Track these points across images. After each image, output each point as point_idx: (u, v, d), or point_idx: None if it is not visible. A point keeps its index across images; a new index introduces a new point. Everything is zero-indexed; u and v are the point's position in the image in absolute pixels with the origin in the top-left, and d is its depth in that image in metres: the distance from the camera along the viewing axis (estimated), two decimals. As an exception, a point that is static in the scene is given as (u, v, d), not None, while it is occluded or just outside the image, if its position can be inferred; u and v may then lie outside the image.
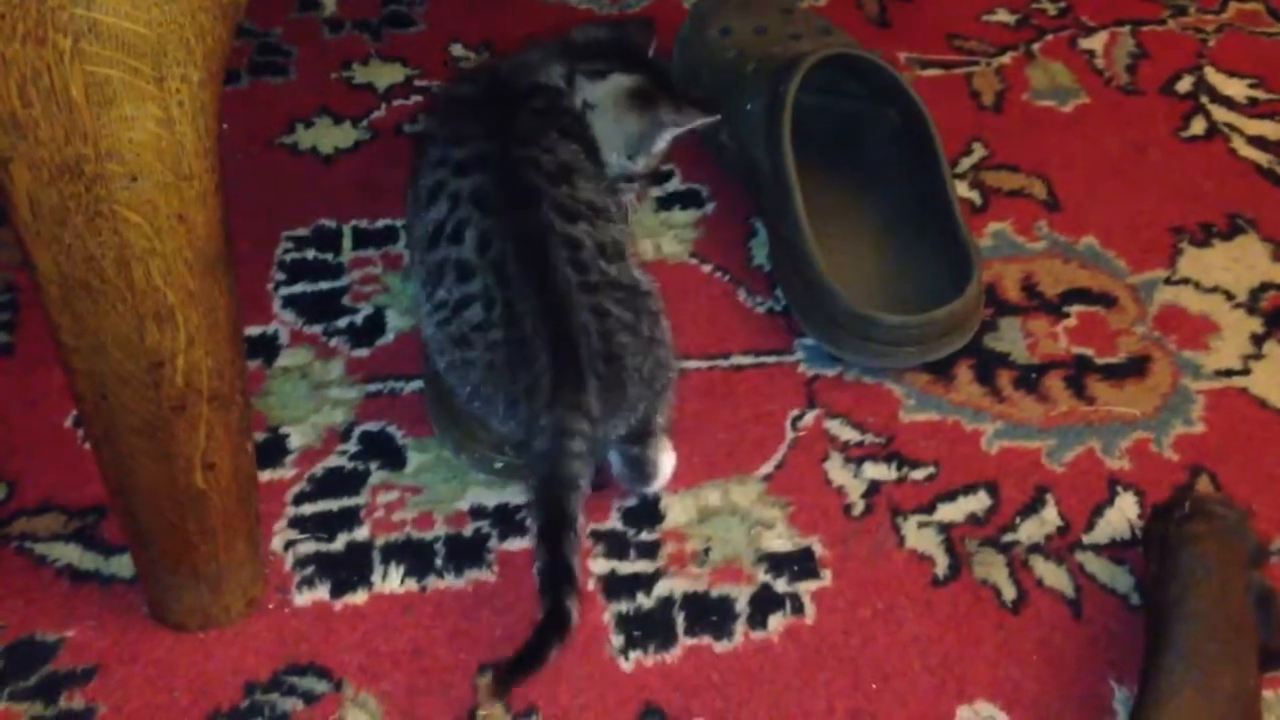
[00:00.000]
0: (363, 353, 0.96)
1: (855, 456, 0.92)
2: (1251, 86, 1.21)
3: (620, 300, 0.83)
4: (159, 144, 0.55)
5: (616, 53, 0.91)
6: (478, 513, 0.87)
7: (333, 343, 0.96)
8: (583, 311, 0.81)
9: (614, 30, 0.93)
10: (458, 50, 1.20)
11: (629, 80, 0.90)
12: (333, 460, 0.89)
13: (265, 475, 0.88)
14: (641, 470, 0.87)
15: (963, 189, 1.10)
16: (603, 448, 0.84)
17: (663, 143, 0.91)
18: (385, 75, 1.17)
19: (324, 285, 1.00)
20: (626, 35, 0.93)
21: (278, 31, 1.20)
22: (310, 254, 1.02)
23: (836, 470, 0.91)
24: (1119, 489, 0.91)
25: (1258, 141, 1.16)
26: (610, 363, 0.81)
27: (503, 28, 1.21)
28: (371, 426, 0.92)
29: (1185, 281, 1.04)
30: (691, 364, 0.97)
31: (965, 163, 1.13)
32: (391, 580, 0.83)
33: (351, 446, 0.90)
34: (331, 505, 0.87)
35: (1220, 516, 0.80)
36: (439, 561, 0.84)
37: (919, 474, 0.91)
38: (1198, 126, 1.17)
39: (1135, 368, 0.98)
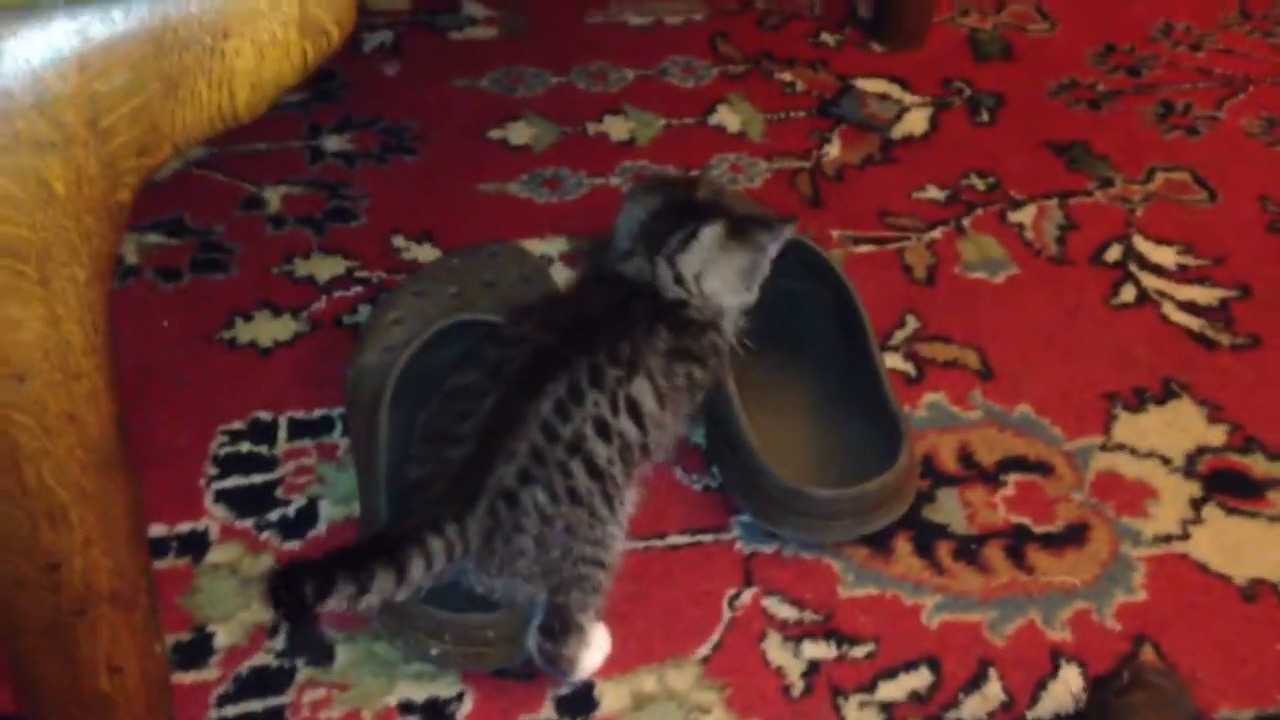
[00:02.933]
0: (294, 545, 0.95)
1: (794, 635, 0.91)
2: (1180, 253, 1.24)
3: (567, 494, 0.83)
4: (46, 344, 0.55)
5: (686, 211, 0.93)
6: (406, 708, 0.85)
7: (263, 536, 0.95)
8: (523, 459, 0.82)
9: (668, 192, 0.95)
10: (399, 241, 1.21)
11: (717, 226, 0.92)
12: (259, 659, 0.88)
13: (189, 677, 0.86)
14: (556, 666, 0.85)
15: (897, 361, 1.11)
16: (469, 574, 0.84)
17: (767, 265, 0.93)
18: (326, 268, 1.18)
19: (257, 478, 0.99)
20: (681, 190, 0.95)
21: (219, 229, 1.21)
22: (244, 447, 1.01)
23: (775, 650, 0.90)
24: (1062, 661, 0.89)
25: (1188, 306, 1.18)
26: (511, 515, 0.82)
27: (442, 219, 1.24)
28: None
29: (1121, 447, 1.04)
30: (626, 545, 0.96)
31: (899, 335, 1.14)
32: (315, 782, 0.81)
33: (279, 643, 0.88)
34: (256, 706, 0.85)
35: (1158, 687, 0.79)
36: (365, 761, 0.82)
37: (859, 651, 0.90)
38: (1128, 294, 1.19)
39: (1074, 536, 0.98)
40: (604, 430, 0.85)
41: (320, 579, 0.77)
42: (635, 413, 0.87)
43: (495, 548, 0.83)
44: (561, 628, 0.85)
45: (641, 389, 0.87)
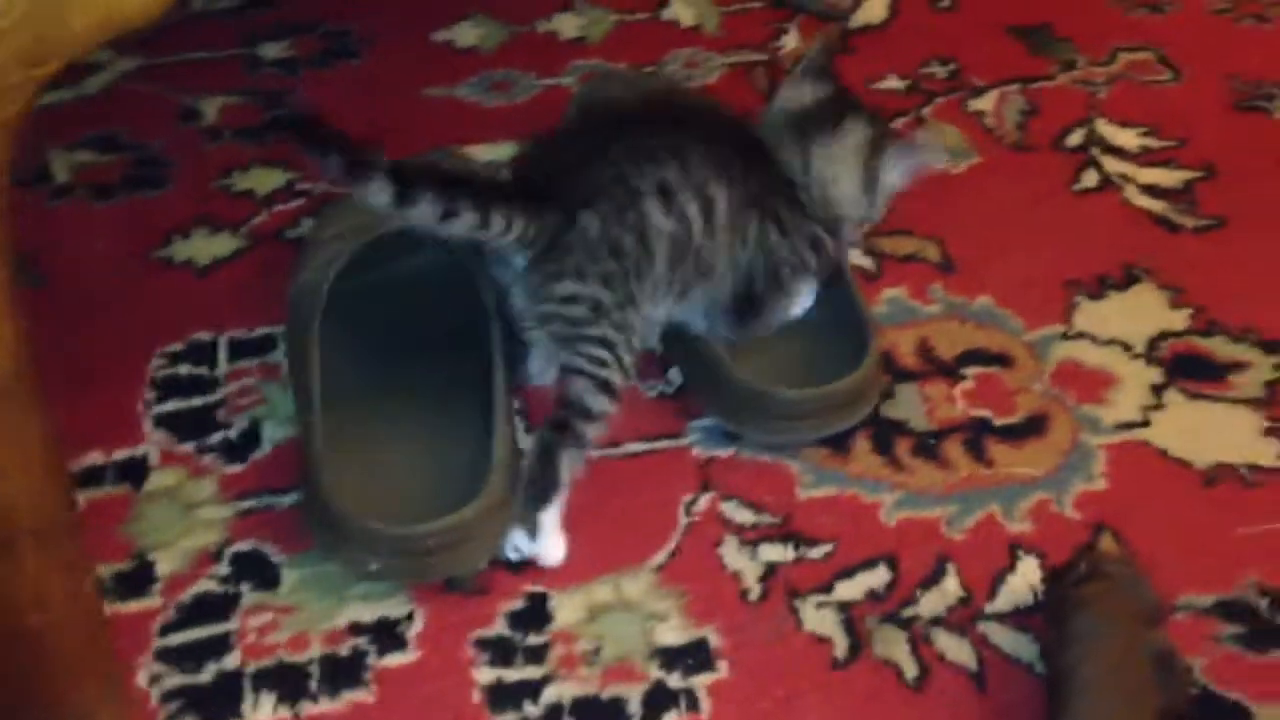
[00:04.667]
0: (237, 468, 0.93)
1: (751, 539, 0.89)
2: (1143, 135, 1.21)
3: (609, 240, 0.86)
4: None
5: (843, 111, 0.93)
6: (356, 629, 0.84)
7: (205, 460, 0.93)
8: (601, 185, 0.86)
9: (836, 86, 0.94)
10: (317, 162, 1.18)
11: (859, 129, 0.92)
12: (202, 585, 0.86)
13: (131, 606, 0.84)
14: (536, 492, 0.85)
15: (857, 257, 1.08)
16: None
17: (894, 183, 0.93)
18: (267, 181, 1.15)
19: (197, 401, 0.97)
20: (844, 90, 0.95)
21: (154, 144, 1.18)
22: (184, 369, 0.99)
23: (732, 554, 0.89)
24: (1020, 553, 0.88)
25: (1151, 190, 1.15)
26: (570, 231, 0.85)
27: (387, 126, 1.20)
28: (244, 546, 0.88)
29: (1082, 336, 1.02)
30: (580, 455, 0.94)
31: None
32: (263, 709, 0.79)
33: (223, 569, 0.87)
34: (200, 634, 0.83)
35: (1115, 576, 0.78)
36: (314, 685, 0.80)
37: (816, 552, 0.89)
38: (1090, 179, 1.16)
39: (1034, 427, 0.96)
40: (667, 195, 0.86)
41: (414, 184, 0.80)
42: (708, 209, 0.87)
43: (550, 257, 0.85)
44: (561, 429, 0.86)
45: (722, 197, 0.88)
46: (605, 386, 0.87)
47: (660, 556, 0.88)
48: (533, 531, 0.85)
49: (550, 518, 0.86)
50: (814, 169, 0.91)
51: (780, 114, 0.93)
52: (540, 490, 0.85)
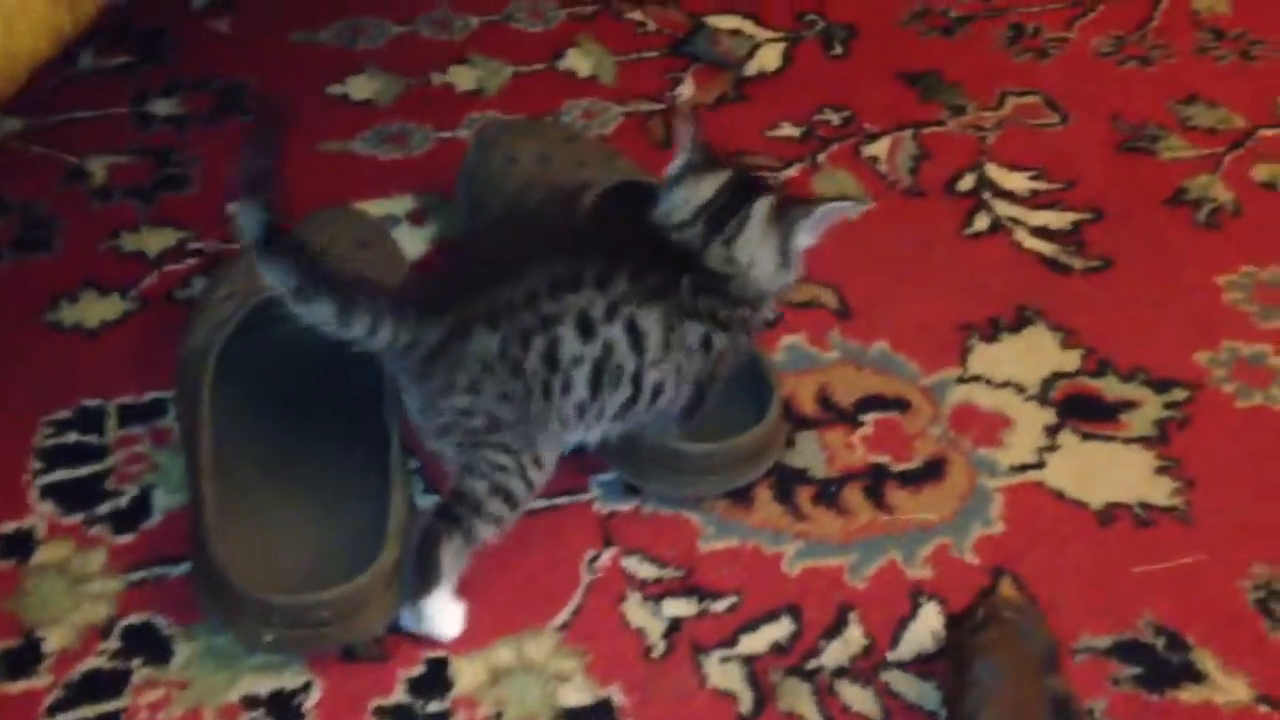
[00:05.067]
0: (127, 539, 0.91)
1: (654, 594, 0.89)
2: (1032, 178, 1.23)
3: (511, 362, 0.83)
4: None
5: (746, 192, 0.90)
6: (251, 702, 0.82)
7: (94, 531, 0.91)
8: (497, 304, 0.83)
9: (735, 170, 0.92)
10: (234, 208, 1.16)
11: (766, 202, 0.89)
12: (92, 661, 0.84)
13: (17, 686, 0.82)
14: (423, 575, 0.83)
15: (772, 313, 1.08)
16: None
17: (804, 244, 0.90)
18: (157, 241, 1.13)
19: (85, 470, 0.95)
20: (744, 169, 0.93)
21: (41, 205, 1.15)
22: (71, 437, 0.97)
23: (635, 610, 0.88)
24: (922, 600, 0.89)
25: (1041, 232, 1.17)
26: (459, 346, 0.82)
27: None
28: (135, 619, 0.86)
29: (977, 378, 1.04)
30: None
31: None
32: (155, 787, 0.77)
33: (113, 643, 0.85)
34: (90, 712, 0.81)
35: (1012, 622, 0.78)
36: (208, 760, 0.79)
37: (720, 606, 0.89)
38: (981, 222, 1.18)
39: (932, 471, 0.97)
40: (587, 328, 0.83)
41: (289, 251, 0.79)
42: (635, 335, 0.84)
43: (437, 369, 0.83)
44: (450, 521, 0.83)
45: (651, 322, 0.85)
46: (505, 493, 0.85)
47: (563, 615, 0.88)
48: (418, 616, 0.84)
49: (435, 603, 0.84)
50: (737, 258, 0.89)
51: (689, 211, 0.90)
52: (421, 580, 0.83)
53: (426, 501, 0.93)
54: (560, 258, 0.84)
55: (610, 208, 1.02)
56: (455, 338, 0.82)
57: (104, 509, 0.92)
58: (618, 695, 0.83)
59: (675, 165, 0.92)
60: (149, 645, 0.85)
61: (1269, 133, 1.28)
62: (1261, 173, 1.24)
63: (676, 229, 0.89)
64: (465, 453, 0.85)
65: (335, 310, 0.80)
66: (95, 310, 1.06)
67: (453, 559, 0.84)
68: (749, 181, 0.91)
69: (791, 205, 0.90)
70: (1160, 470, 0.97)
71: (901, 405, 1.02)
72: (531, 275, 0.83)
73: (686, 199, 0.90)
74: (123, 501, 0.93)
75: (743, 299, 0.90)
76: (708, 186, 0.90)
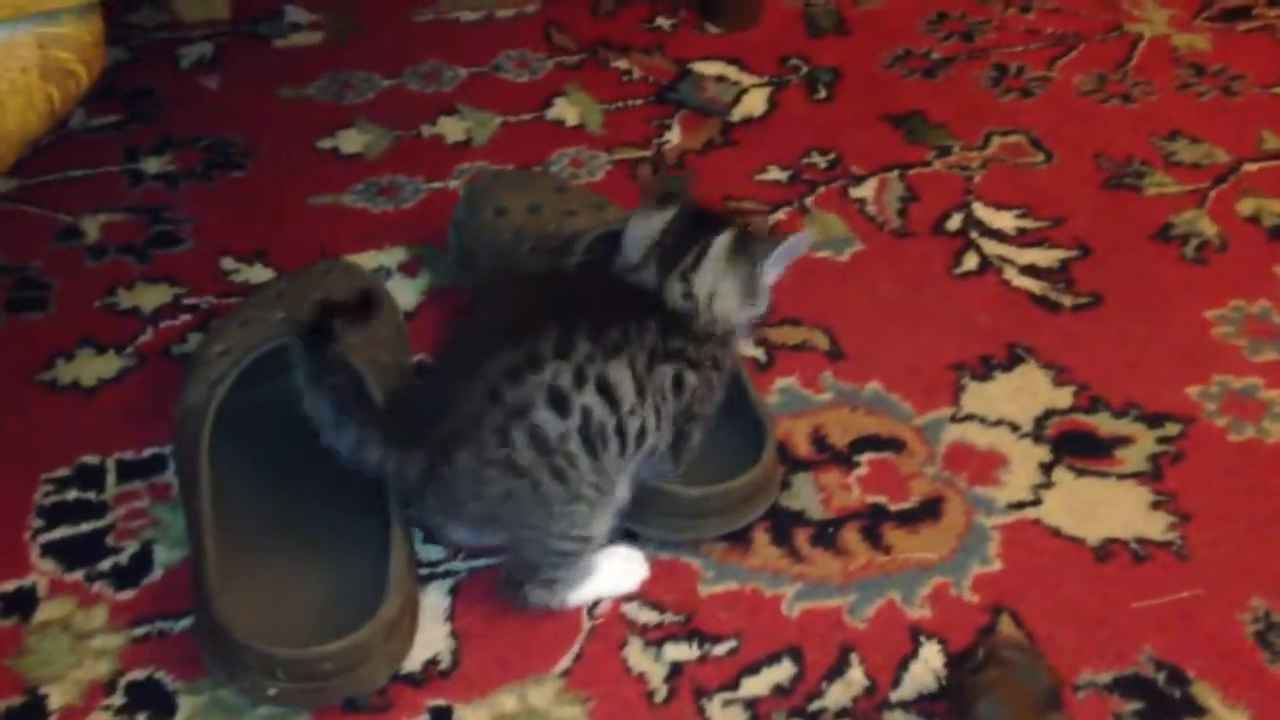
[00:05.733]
0: (129, 594, 0.91)
1: (655, 639, 0.89)
2: (1019, 217, 1.24)
3: (504, 461, 0.83)
4: None
5: (699, 227, 0.91)
6: (255, 755, 0.82)
7: (95, 588, 0.91)
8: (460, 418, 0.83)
9: (683, 207, 0.93)
10: (228, 264, 1.17)
11: (726, 236, 0.90)
12: (96, 718, 0.84)
13: (22, 745, 0.82)
14: (519, 602, 0.90)
15: (749, 348, 1.09)
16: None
17: (770, 277, 0.92)
18: (152, 297, 1.13)
19: (86, 527, 0.95)
20: (694, 205, 0.95)
21: (35, 265, 1.16)
22: (71, 494, 0.97)
23: (636, 656, 0.88)
24: (922, 639, 0.89)
25: (1029, 270, 1.18)
26: (445, 470, 0.84)
27: (273, 238, 1.19)
28: (139, 674, 0.86)
29: (970, 417, 1.04)
30: (481, 561, 0.94)
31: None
32: (161, 844, 0.77)
33: (117, 699, 0.85)
34: (93, 768, 0.81)
35: (1013, 662, 0.78)
36: (213, 816, 0.78)
37: (721, 649, 0.89)
38: (970, 261, 1.19)
39: (929, 511, 0.97)
40: (560, 402, 0.82)
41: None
42: (607, 392, 0.84)
43: (429, 496, 0.86)
44: (517, 579, 0.88)
45: (620, 373, 0.84)
46: (559, 564, 0.88)
47: (565, 662, 0.88)
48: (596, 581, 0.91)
49: (583, 592, 0.90)
50: (695, 292, 0.89)
51: (640, 250, 0.90)
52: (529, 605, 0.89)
53: (427, 550, 0.93)
54: (510, 343, 0.83)
55: (597, 258, 1.02)
56: (437, 464, 0.84)
57: (105, 565, 0.92)
58: (622, 742, 0.83)
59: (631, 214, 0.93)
60: (153, 700, 0.84)
61: (1253, 167, 1.30)
62: (1247, 207, 1.25)
63: (632, 271, 0.90)
64: (502, 534, 0.88)
65: (330, 420, 0.84)
66: (92, 368, 1.07)
67: (538, 602, 0.89)
68: (704, 216, 0.92)
69: (753, 239, 0.91)
70: (1155, 505, 0.98)
71: (896, 445, 1.02)
72: (488, 372, 0.82)
73: (637, 240, 0.91)
74: (124, 558, 0.93)
75: (709, 334, 0.90)
76: (656, 223, 0.91)
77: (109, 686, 0.85)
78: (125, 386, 1.06)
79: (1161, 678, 0.86)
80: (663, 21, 1.51)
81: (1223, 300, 1.15)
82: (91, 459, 1.00)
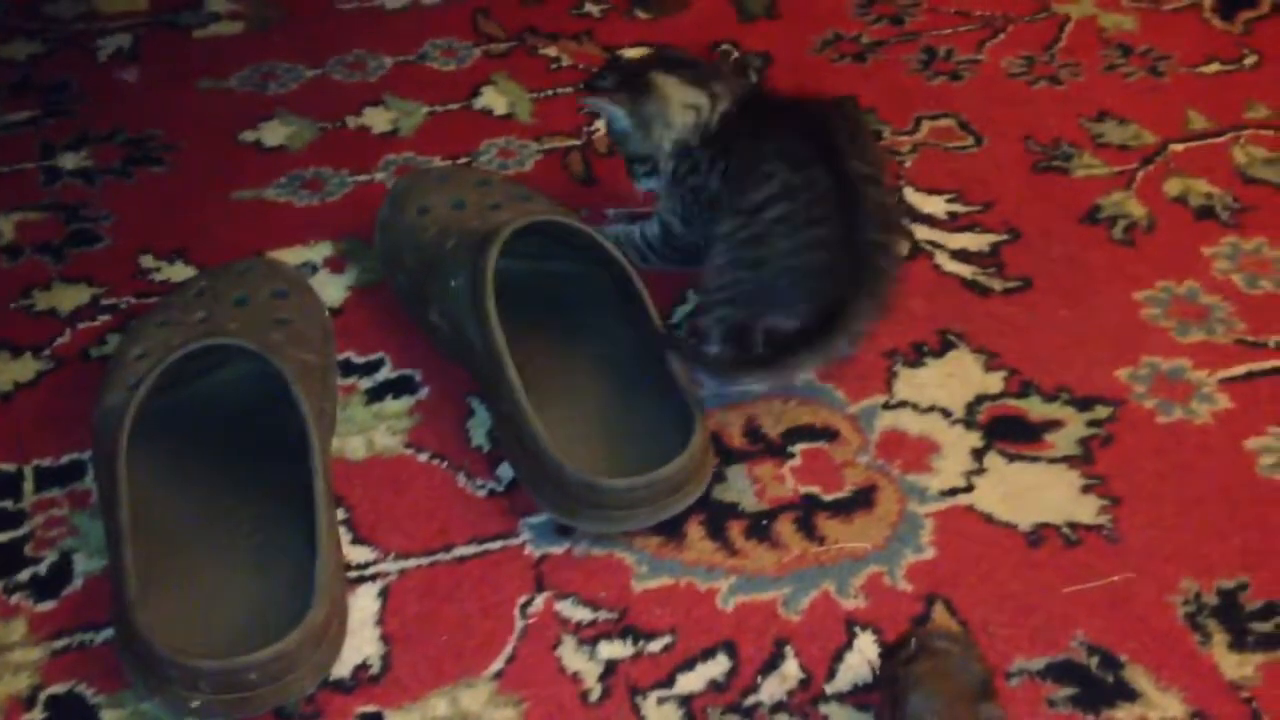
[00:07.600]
0: (48, 606, 0.89)
1: (588, 637, 0.88)
2: (950, 201, 1.24)
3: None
4: None
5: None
6: (181, 768, 0.80)
7: (13, 599, 0.89)
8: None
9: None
10: (148, 262, 1.15)
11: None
12: (14, 735, 0.81)
13: (-65, 766, 0.79)
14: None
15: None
16: None
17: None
18: (69, 298, 1.11)
19: (3, 537, 0.92)
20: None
21: (-51, 267, 1.13)
22: (-14, 505, 0.94)
23: (570, 655, 0.87)
24: (857, 630, 0.89)
25: (960, 255, 1.18)
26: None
27: (194, 234, 1.17)
28: (59, 689, 0.84)
29: (903, 404, 1.04)
30: (412, 562, 0.92)
31: (681, 312, 1.12)
32: None
33: (37, 715, 0.83)
34: (12, 788, 0.79)
35: (945, 652, 0.78)
36: (136, 834, 0.77)
37: (655, 645, 0.88)
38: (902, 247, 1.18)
39: (862, 500, 0.97)
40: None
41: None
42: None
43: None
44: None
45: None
46: None
47: (498, 663, 0.87)
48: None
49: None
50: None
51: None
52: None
53: (356, 551, 0.92)
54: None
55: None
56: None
57: (23, 576, 0.90)
58: (556, 742, 0.82)
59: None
60: (74, 715, 0.83)
61: (1179, 147, 1.30)
62: (1174, 187, 1.26)
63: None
64: None
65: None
66: (8, 372, 1.04)
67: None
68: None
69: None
70: (1086, 489, 0.98)
71: (830, 434, 1.02)
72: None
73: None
74: (42, 568, 0.91)
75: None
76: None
77: (29, 701, 0.83)
78: (42, 391, 1.03)
79: (1094, 662, 0.87)
80: (591, 7, 1.49)
81: (1150, 281, 1.15)
82: (8, 466, 0.97)
